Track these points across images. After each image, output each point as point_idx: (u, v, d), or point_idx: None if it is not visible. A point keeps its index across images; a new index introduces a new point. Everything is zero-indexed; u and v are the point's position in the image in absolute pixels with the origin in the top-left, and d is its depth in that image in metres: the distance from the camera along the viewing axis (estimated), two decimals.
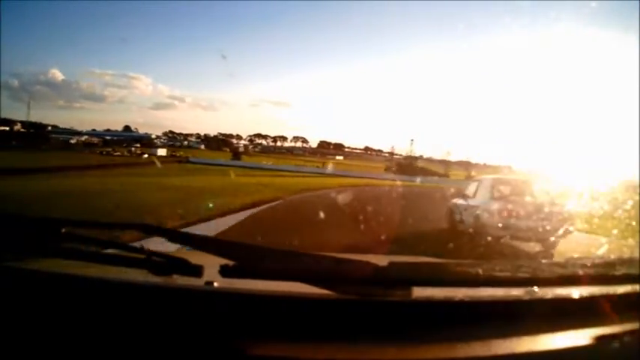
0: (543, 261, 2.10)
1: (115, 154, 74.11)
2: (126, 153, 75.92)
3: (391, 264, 1.61)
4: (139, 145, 78.21)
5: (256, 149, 66.58)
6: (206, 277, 1.52)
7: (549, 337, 1.43)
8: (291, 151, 70.17)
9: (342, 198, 22.86)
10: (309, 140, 73.04)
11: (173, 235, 1.79)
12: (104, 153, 75.01)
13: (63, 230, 1.67)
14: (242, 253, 1.59)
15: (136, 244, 1.73)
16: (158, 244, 1.77)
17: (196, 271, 1.53)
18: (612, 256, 1.89)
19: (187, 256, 1.59)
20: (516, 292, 1.64)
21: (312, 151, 68.43)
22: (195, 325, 1.33)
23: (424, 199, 21.93)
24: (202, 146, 61.40)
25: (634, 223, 11.41)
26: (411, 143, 60.55)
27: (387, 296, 1.51)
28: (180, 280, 1.55)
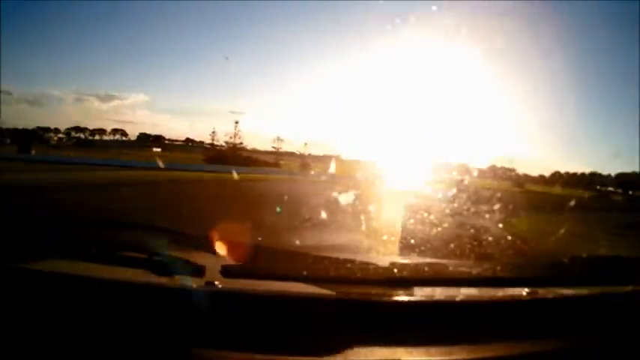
0: (543, 261, 2.25)
1: None
2: None
3: (392, 264, 1.64)
4: None
5: (69, 142, 61.24)
6: (207, 277, 1.51)
7: (549, 337, 1.46)
8: (107, 144, 65.82)
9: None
10: (128, 133, 68.91)
11: (175, 235, 1.80)
12: None
13: (65, 230, 1.72)
14: (243, 254, 1.60)
15: (139, 245, 1.72)
16: (160, 244, 1.73)
17: (198, 271, 1.54)
18: (611, 257, 2.07)
19: (189, 257, 1.60)
20: (516, 292, 1.66)
21: (131, 144, 65.03)
22: (196, 324, 1.33)
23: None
24: (8, 140, 54.99)
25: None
26: (236, 127, 55.99)
27: (387, 296, 1.54)
28: (182, 280, 1.53)
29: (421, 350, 1.34)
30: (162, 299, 1.43)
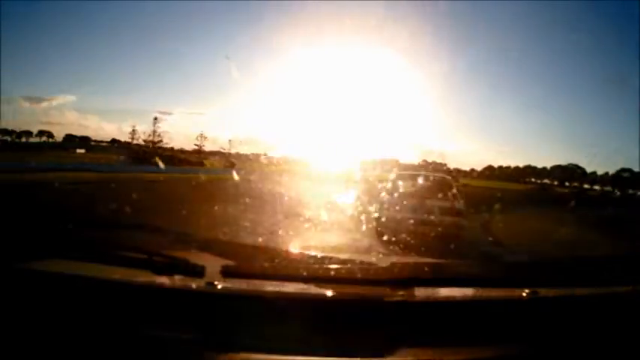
0: (543, 261, 2.26)
1: None
2: None
3: (392, 264, 1.66)
4: None
5: None
6: (208, 278, 1.51)
7: (549, 337, 1.46)
8: (33, 146, 63.41)
9: None
10: (55, 135, 66.55)
11: (175, 235, 1.81)
12: None
13: (66, 231, 1.71)
14: (243, 254, 1.62)
15: (139, 245, 1.71)
16: (160, 244, 1.74)
17: (198, 271, 1.53)
18: (611, 256, 2.09)
19: (189, 257, 1.60)
20: (516, 292, 1.64)
21: (57, 146, 62.88)
22: (197, 324, 1.34)
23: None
24: None
25: None
26: (154, 123, 52.78)
27: (387, 296, 1.53)
28: (182, 280, 1.54)
29: (422, 350, 1.34)
30: (163, 299, 1.43)
